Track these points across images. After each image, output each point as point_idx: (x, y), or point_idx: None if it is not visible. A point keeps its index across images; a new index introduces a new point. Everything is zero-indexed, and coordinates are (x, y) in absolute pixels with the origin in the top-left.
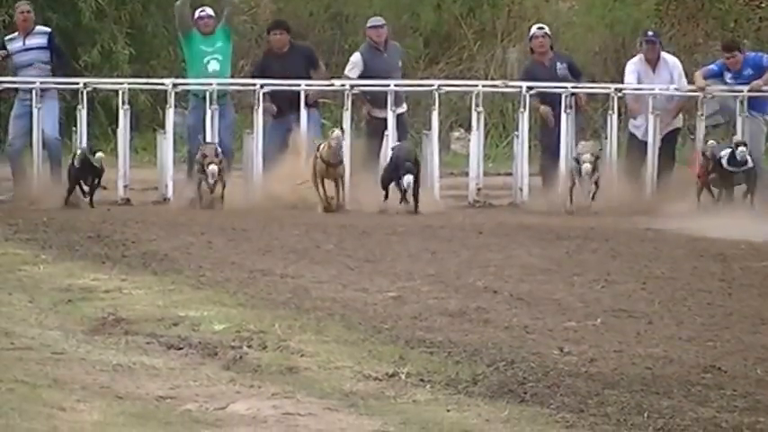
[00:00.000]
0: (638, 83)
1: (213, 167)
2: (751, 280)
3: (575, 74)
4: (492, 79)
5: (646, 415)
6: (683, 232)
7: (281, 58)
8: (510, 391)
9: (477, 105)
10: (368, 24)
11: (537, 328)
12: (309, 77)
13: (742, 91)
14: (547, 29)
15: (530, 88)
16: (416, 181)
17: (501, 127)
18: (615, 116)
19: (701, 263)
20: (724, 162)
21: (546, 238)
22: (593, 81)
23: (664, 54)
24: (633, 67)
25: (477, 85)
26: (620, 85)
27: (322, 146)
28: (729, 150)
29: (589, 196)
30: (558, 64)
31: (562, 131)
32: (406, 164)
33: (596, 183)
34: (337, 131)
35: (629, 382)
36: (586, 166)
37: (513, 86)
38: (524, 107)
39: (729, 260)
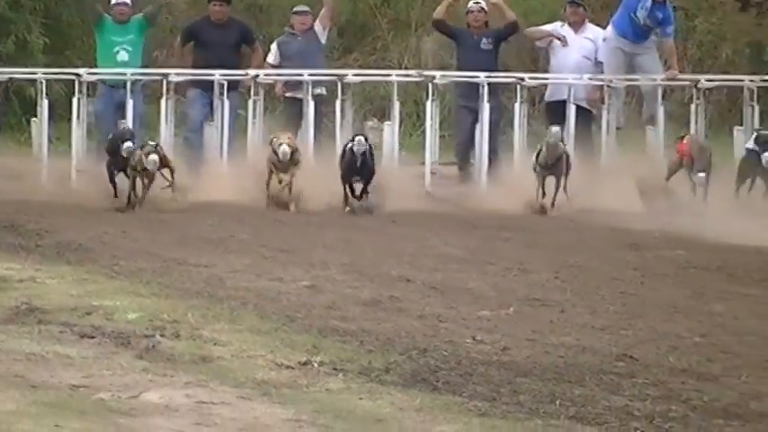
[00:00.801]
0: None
1: (285, 148)
2: (664, 269)
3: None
4: (406, 69)
5: (558, 403)
6: (605, 223)
7: (217, 28)
8: (423, 379)
9: (393, 95)
10: (292, 11)
11: (450, 317)
12: (241, 53)
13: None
14: (483, 3)
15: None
16: (369, 174)
17: (415, 116)
18: (523, 106)
19: (615, 252)
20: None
21: (461, 228)
22: (507, 70)
23: (589, 24)
24: (552, 27)
25: (391, 75)
26: (528, 74)
27: (275, 140)
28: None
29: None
30: (484, 39)
31: (483, 121)
32: (357, 157)
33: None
34: (284, 147)
35: (541, 371)
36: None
37: (426, 76)
38: (434, 96)
39: (643, 249)
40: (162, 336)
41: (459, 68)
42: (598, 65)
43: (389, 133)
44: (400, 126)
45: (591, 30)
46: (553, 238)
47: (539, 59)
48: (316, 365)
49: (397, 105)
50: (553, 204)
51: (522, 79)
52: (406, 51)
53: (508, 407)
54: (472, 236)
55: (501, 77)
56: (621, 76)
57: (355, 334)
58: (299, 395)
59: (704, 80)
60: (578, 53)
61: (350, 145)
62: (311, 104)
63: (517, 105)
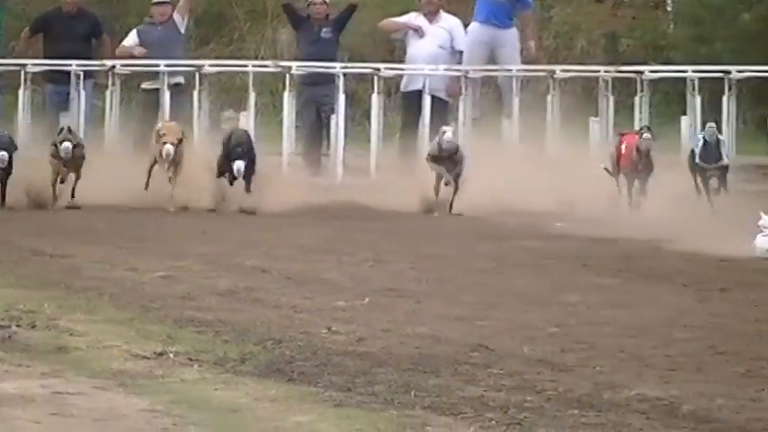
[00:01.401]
0: (405, 40)
1: (67, 144)
2: (520, 259)
3: (337, 43)
4: (262, 59)
5: (413, 393)
6: (465, 214)
7: (68, 19)
8: (278, 369)
9: (249, 86)
10: (152, 1)
11: (306, 308)
12: (90, 45)
13: None
14: None
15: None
16: (250, 167)
17: (271, 107)
18: (379, 97)
19: (471, 242)
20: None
21: (318, 218)
22: (364, 61)
23: (444, 13)
24: (406, 18)
25: (247, 65)
26: (384, 65)
27: (156, 138)
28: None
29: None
30: (324, 29)
31: (339, 112)
32: (237, 149)
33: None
34: (168, 147)
35: (397, 361)
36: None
37: (283, 67)
38: (291, 88)
39: (500, 240)
40: (18, 326)
41: (301, 58)
42: (454, 54)
43: (246, 123)
44: (257, 116)
45: (446, 19)
46: (409, 227)
47: (395, 49)
48: (171, 356)
49: (253, 96)
50: (451, 207)
51: (378, 69)
52: (262, 42)
53: (363, 397)
54: (329, 226)
55: (358, 68)
56: (479, 66)
57: (211, 324)
58: (155, 385)
59: (560, 71)
60: (433, 43)
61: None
62: (167, 95)
63: (374, 96)
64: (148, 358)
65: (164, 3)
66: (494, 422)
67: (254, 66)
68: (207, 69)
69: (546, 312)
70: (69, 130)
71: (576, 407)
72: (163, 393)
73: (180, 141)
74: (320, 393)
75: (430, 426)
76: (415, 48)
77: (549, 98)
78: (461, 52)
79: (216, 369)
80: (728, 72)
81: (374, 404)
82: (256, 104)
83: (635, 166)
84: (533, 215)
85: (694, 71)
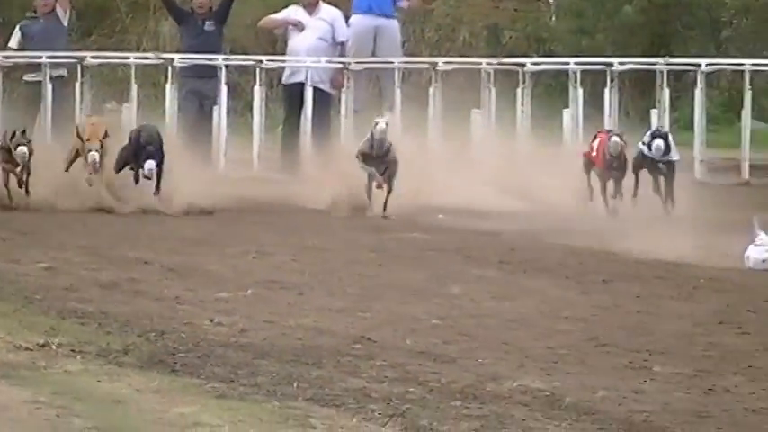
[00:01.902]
0: (286, 33)
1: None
2: (403, 251)
3: (221, 37)
4: (144, 51)
5: (296, 385)
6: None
7: None
8: (161, 361)
9: (132, 78)
10: None
11: (188, 299)
12: None
13: None
14: None
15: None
16: (159, 165)
17: (153, 98)
18: (262, 89)
19: (354, 235)
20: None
21: (201, 210)
22: (246, 53)
23: (324, 4)
24: (286, 13)
25: (129, 58)
26: (266, 57)
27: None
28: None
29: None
30: (207, 22)
31: (222, 104)
32: (148, 148)
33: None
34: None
35: (279, 353)
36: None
37: (165, 59)
38: (173, 80)
39: (382, 232)
40: None
41: (185, 51)
42: (336, 46)
43: (128, 115)
44: (139, 108)
45: (326, 11)
46: (292, 220)
47: (277, 41)
48: (54, 347)
49: (135, 88)
50: (385, 208)
51: (261, 62)
52: (144, 34)
53: (246, 388)
54: (212, 218)
55: (240, 60)
56: (361, 59)
57: (93, 316)
58: (38, 377)
59: (442, 63)
60: (314, 35)
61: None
62: (49, 87)
63: (256, 88)
64: (31, 350)
65: None
66: (376, 413)
67: (135, 58)
68: (89, 61)
69: (428, 304)
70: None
71: (459, 398)
72: (46, 385)
73: (105, 138)
74: (203, 385)
75: (312, 417)
76: (296, 41)
77: (431, 90)
78: (343, 44)
79: (99, 360)
80: (610, 64)
81: (256, 395)
82: (138, 96)
83: (608, 166)
84: (416, 208)
85: (576, 63)
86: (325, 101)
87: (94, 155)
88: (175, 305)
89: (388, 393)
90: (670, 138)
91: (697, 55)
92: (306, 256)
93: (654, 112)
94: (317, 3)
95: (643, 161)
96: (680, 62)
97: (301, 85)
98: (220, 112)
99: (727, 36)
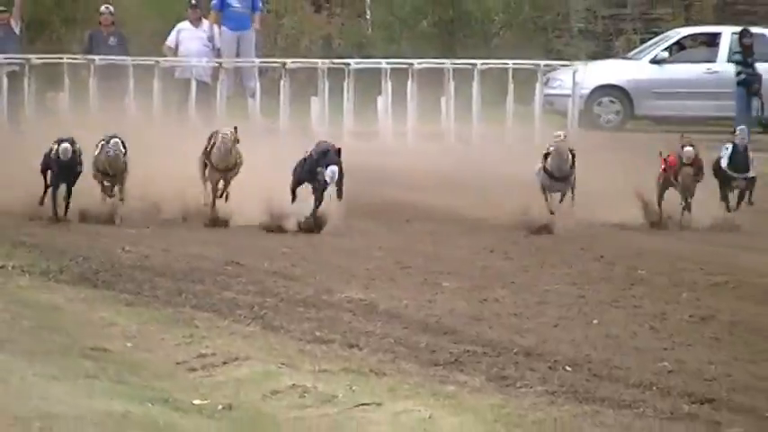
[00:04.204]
0: (179, 39)
1: None
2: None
3: (126, 46)
4: (74, 54)
5: (184, 296)
6: None
7: None
8: (86, 278)
9: None
10: None
11: (107, 233)
12: None
13: None
14: (111, 8)
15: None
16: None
17: (81, 89)
18: (158, 82)
19: None
20: None
21: None
22: (149, 55)
23: (205, 20)
24: (179, 26)
25: (63, 58)
26: (162, 58)
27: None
28: None
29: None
30: (112, 38)
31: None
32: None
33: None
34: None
35: (172, 273)
36: None
37: (88, 59)
38: (94, 76)
39: None
40: None
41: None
42: (214, 50)
43: (63, 101)
44: (69, 96)
45: (205, 24)
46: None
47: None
48: (10, 269)
49: (67, 81)
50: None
51: (158, 62)
52: (74, 41)
53: (148, 299)
54: None
55: (147, 61)
56: (231, 59)
57: (38, 246)
58: None
59: (290, 62)
60: (199, 42)
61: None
62: (5, 80)
63: (155, 82)
64: None
65: (3, 12)
66: (242, 317)
67: (68, 59)
68: (34, 61)
69: (282, 238)
70: None
71: (302, 306)
72: (3, 296)
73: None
74: (117, 296)
75: (196, 319)
76: (185, 46)
77: (281, 83)
78: (219, 49)
79: (42, 278)
80: (411, 64)
81: (156, 304)
82: (69, 87)
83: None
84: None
85: (387, 63)
86: (206, 90)
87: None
88: (97, 238)
89: (251, 302)
90: None
91: (474, 57)
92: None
93: (443, 100)
94: (200, 18)
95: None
96: (462, 62)
97: (188, 79)
98: (128, 100)
99: (496, 43)
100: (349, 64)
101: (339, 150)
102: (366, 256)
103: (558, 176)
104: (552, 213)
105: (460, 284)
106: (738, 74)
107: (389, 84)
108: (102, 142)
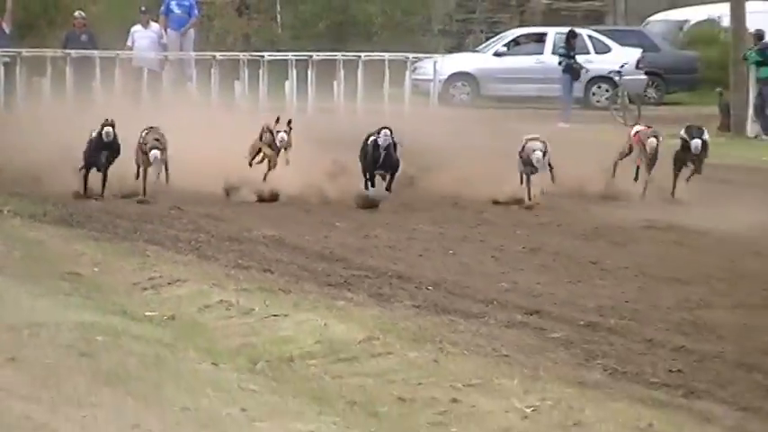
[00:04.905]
0: (134, 39)
1: None
2: None
3: (95, 42)
4: (55, 50)
5: (138, 233)
6: None
7: None
8: (64, 220)
9: None
10: None
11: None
12: None
13: None
14: (83, 14)
15: None
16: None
17: (60, 76)
18: (118, 70)
19: None
20: None
21: None
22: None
23: (153, 23)
24: (133, 29)
25: (47, 52)
26: (121, 51)
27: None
28: None
29: None
30: (83, 36)
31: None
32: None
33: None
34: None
35: (129, 215)
36: None
37: (66, 53)
38: (70, 66)
39: None
40: None
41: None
42: (162, 45)
43: (45, 85)
44: (51, 80)
45: (153, 26)
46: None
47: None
48: (5, 213)
49: (49, 69)
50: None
51: (118, 54)
52: (55, 39)
53: (110, 236)
54: None
55: (110, 54)
56: (174, 53)
57: (27, 195)
58: None
59: (219, 55)
60: (148, 40)
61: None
62: (1, 69)
63: (116, 70)
64: None
65: None
66: (183, 248)
67: (50, 52)
68: (24, 54)
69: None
70: None
71: (228, 240)
72: (0, 233)
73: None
74: (87, 233)
75: (147, 251)
76: (138, 43)
77: (212, 71)
78: (165, 45)
79: (30, 220)
80: (311, 56)
81: (116, 239)
82: (50, 74)
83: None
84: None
85: (293, 56)
86: (156, 77)
87: (283, 135)
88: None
89: (189, 238)
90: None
91: (358, 51)
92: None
93: (335, 83)
94: (148, 21)
95: None
96: (349, 55)
97: (141, 68)
98: (96, 84)
99: (375, 40)
100: (263, 56)
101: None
102: (277, 204)
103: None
104: (529, 197)
105: (349, 224)
106: (560, 63)
107: (294, 71)
108: (145, 131)
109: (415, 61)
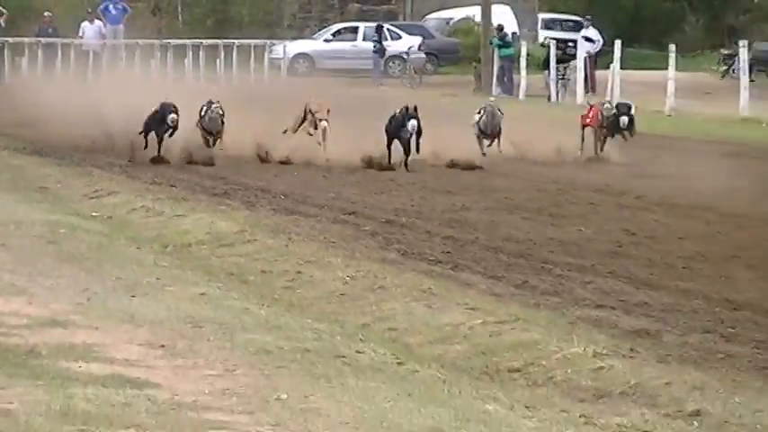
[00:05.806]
0: (84, 31)
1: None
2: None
3: (57, 34)
4: (33, 38)
5: (87, 161)
6: None
7: None
8: (38, 152)
9: None
10: None
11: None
12: None
13: None
14: (50, 14)
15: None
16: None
17: (36, 57)
18: (75, 54)
19: None
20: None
21: None
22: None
23: (96, 20)
24: (82, 25)
25: (24, 39)
26: (75, 40)
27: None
28: None
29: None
30: (50, 29)
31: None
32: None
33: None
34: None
35: (81, 149)
36: None
37: (39, 41)
38: (43, 51)
39: None
40: None
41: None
42: (103, 34)
43: (25, 67)
44: (29, 62)
45: (97, 22)
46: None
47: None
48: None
49: (27, 52)
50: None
51: (73, 41)
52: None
53: (68, 162)
54: None
55: (67, 41)
56: (111, 41)
57: (13, 136)
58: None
59: (141, 42)
60: (93, 31)
61: None
62: None
63: (71, 53)
64: None
65: None
66: (116, 171)
67: (28, 40)
68: (10, 42)
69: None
70: None
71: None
72: (7, 169)
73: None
74: (53, 161)
75: (93, 172)
76: (87, 34)
77: (136, 53)
78: (104, 35)
79: (15, 152)
80: (201, 42)
81: (72, 165)
82: (27, 56)
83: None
84: None
85: (190, 42)
86: (98, 57)
87: (324, 123)
88: (46, 134)
89: (121, 163)
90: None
91: (234, 38)
92: None
93: (218, 61)
94: (93, 20)
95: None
96: (228, 41)
97: (89, 51)
98: (58, 62)
99: (246, 30)
100: (170, 43)
101: (416, 108)
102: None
103: (487, 132)
104: (484, 155)
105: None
106: (374, 47)
107: (190, 53)
108: (204, 107)
109: (272, 46)
